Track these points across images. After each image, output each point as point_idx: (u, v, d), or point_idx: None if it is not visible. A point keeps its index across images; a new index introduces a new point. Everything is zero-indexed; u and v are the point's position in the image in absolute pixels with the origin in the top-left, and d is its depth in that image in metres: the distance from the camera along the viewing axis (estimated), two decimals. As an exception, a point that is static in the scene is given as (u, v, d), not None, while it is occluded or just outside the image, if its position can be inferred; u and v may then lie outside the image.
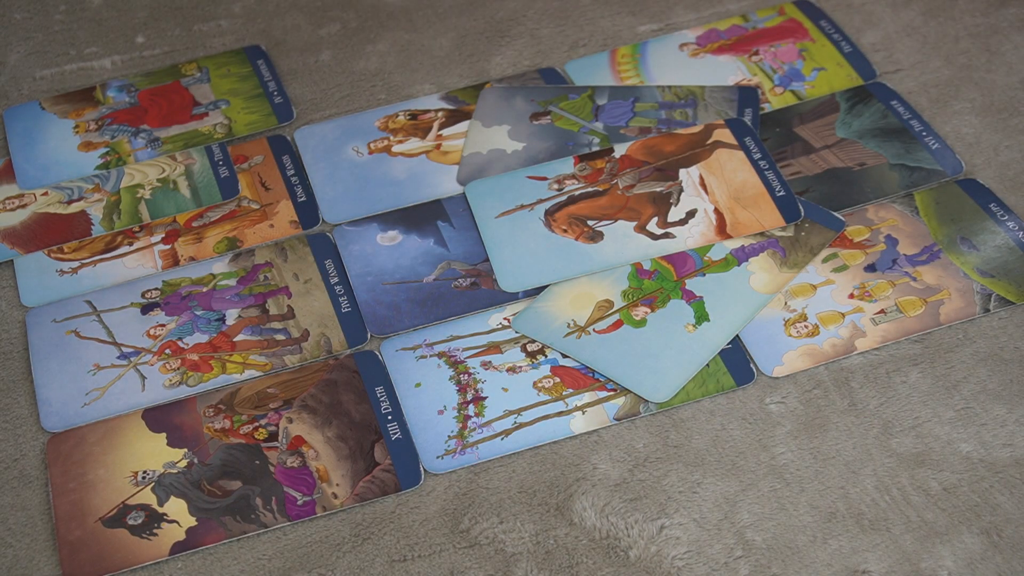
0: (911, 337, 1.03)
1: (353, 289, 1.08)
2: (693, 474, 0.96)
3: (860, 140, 1.17)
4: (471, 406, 1.00)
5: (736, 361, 1.02)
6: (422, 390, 1.02)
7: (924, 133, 1.17)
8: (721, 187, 1.13)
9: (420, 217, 1.13)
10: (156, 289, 1.09)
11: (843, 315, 1.05)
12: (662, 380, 1.01)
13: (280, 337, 1.05)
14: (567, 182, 1.15)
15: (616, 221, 1.11)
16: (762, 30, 1.28)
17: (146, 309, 1.08)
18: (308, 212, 1.14)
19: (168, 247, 1.12)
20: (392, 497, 0.96)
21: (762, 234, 1.10)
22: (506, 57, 1.28)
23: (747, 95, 1.21)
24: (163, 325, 1.06)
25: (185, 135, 1.21)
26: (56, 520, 0.95)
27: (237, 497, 0.96)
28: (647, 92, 1.22)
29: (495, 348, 1.04)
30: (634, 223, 1.11)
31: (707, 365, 1.02)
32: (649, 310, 1.05)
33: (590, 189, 1.14)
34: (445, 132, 1.20)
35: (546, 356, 1.03)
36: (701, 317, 1.04)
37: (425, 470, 0.97)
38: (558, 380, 1.02)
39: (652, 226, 1.11)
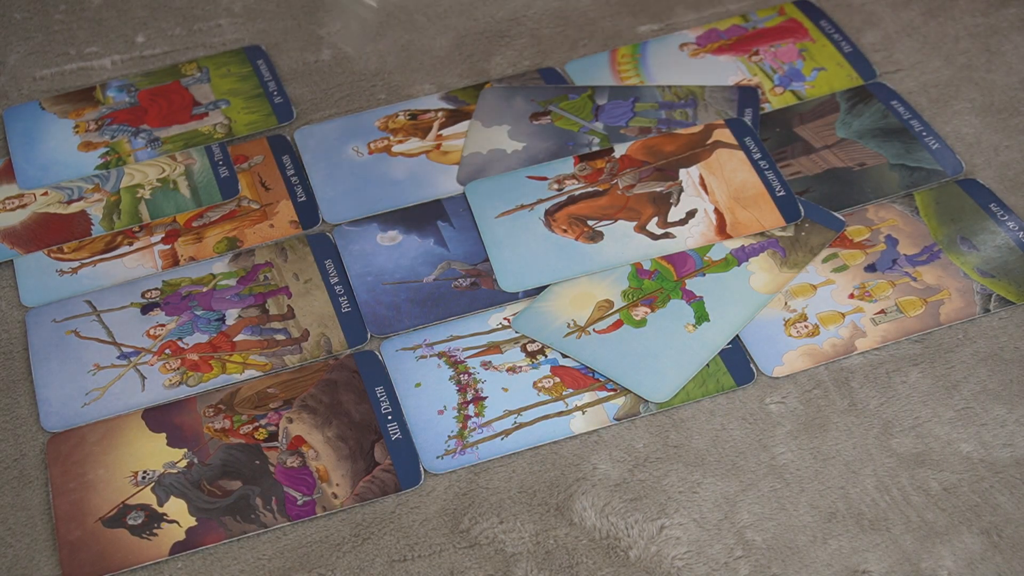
0: (911, 337, 1.03)
1: (353, 289, 1.08)
2: (693, 474, 0.96)
3: (860, 140, 1.17)
4: (471, 406, 1.00)
5: (736, 361, 1.02)
6: (422, 390, 1.01)
7: (924, 133, 1.17)
8: (721, 187, 1.13)
9: (420, 217, 1.13)
10: (156, 289, 1.09)
11: (843, 315, 1.05)
12: (662, 380, 1.01)
13: (280, 337, 1.05)
14: (567, 182, 1.15)
15: (616, 221, 1.11)
16: (762, 30, 1.28)
17: (146, 309, 1.08)
18: (308, 212, 1.14)
19: (168, 247, 1.12)
20: (392, 497, 0.96)
21: (762, 234, 1.10)
22: (506, 57, 1.28)
23: (747, 95, 1.21)
24: (163, 325, 1.06)
25: (185, 135, 1.21)
26: (56, 520, 0.95)
27: (237, 497, 0.96)
28: (647, 92, 1.22)
29: (495, 348, 1.04)
30: (634, 223, 1.11)
31: (707, 365, 1.02)
32: (649, 310, 1.05)
33: (590, 189, 1.14)
34: (445, 132, 1.20)
35: (546, 356, 1.03)
36: (701, 317, 1.04)
37: (425, 470, 0.97)
38: (558, 380, 1.02)
39: (652, 226, 1.11)
